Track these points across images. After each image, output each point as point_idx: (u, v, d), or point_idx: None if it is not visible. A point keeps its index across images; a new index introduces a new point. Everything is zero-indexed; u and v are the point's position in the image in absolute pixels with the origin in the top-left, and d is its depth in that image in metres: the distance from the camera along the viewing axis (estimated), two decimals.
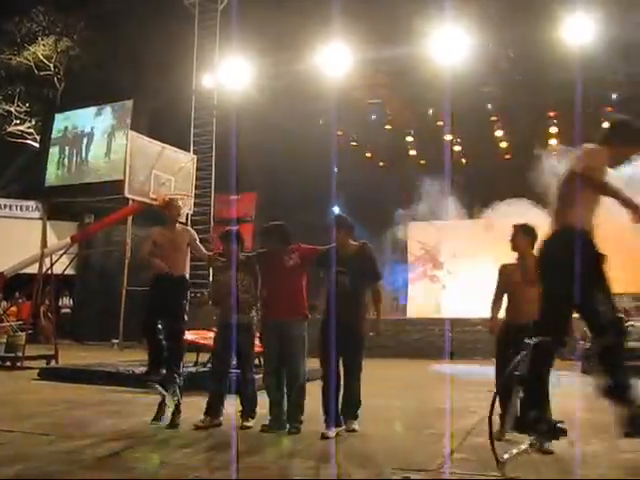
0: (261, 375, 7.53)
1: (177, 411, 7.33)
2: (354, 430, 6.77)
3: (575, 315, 5.36)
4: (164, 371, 7.64)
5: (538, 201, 20.55)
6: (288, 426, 6.97)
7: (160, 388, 7.53)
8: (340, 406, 6.90)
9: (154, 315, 7.71)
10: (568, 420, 7.73)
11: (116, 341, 20.26)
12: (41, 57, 26.50)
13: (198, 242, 8.12)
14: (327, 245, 7.22)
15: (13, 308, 21.86)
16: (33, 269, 15.49)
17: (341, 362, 6.92)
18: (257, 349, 7.76)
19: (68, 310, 24.60)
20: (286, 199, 21.55)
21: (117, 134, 21.73)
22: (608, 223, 17.93)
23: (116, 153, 21.13)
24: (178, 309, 7.80)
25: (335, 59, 18.85)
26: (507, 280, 7.01)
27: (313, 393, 7.04)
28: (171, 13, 23.00)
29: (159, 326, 7.71)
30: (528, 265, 6.62)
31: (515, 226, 7.02)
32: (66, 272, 17.76)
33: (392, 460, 5.80)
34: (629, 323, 12.93)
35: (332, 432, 6.66)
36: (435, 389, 6.84)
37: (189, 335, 10.61)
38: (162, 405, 7.49)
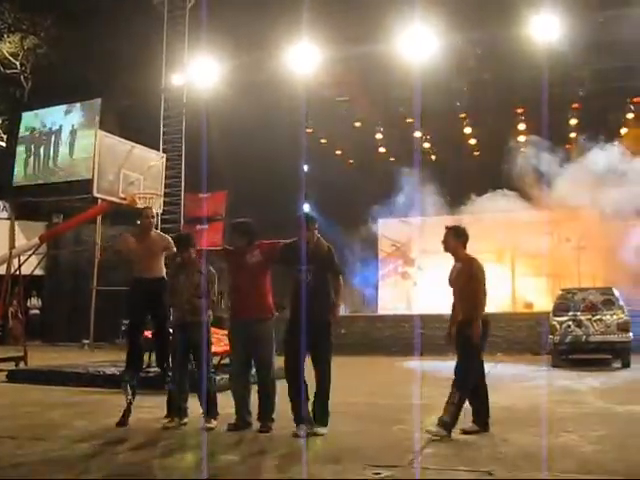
0: (222, 375, 7.58)
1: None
2: (321, 434, 6.67)
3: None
4: (148, 372, 7.70)
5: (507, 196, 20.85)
6: (259, 425, 6.97)
7: (131, 391, 7.52)
8: (311, 409, 6.87)
9: (139, 318, 7.76)
10: (538, 413, 7.86)
11: (86, 342, 20.10)
12: (7, 55, 26.19)
13: (173, 248, 8.09)
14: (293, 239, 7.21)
15: None
16: (1, 270, 15.32)
17: (310, 360, 6.91)
18: (223, 349, 7.76)
19: (37, 311, 24.33)
20: (256, 197, 21.49)
21: (85, 133, 21.51)
22: (580, 223, 18.07)
23: (84, 152, 20.88)
24: (163, 309, 7.93)
25: (304, 57, 18.85)
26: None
27: (282, 391, 7.05)
28: (140, 12, 22.83)
29: (142, 328, 7.82)
30: (457, 266, 7.05)
31: (447, 227, 7.27)
32: (35, 272, 17.59)
33: (363, 457, 5.82)
34: (597, 317, 13.18)
35: (303, 432, 6.66)
36: (406, 385, 6.89)
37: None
38: (129, 408, 7.45)
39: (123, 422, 7.31)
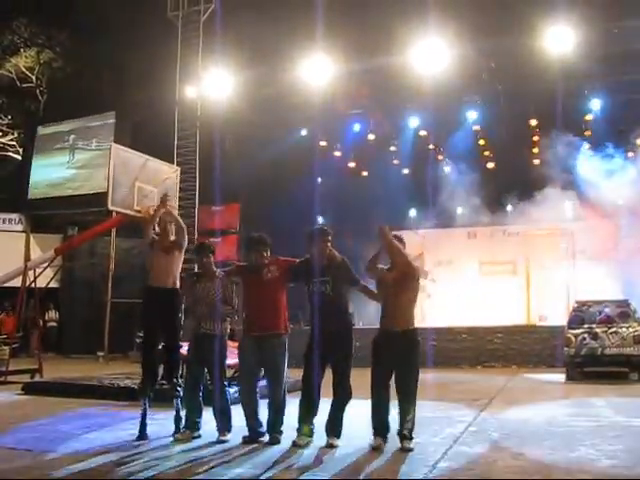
0: (235, 388, 7.59)
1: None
2: (334, 446, 6.71)
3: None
4: (162, 385, 7.70)
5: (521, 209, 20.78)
6: (268, 436, 7.01)
7: (147, 404, 7.52)
8: (326, 420, 6.91)
9: (153, 331, 7.74)
10: (554, 426, 7.80)
11: (101, 354, 20.12)
12: (23, 69, 26.41)
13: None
14: (304, 256, 7.29)
15: None
16: (17, 282, 15.40)
17: (331, 371, 6.95)
18: (234, 362, 7.75)
19: (54, 323, 24.39)
20: (270, 210, 21.53)
21: (100, 146, 21.69)
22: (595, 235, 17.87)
23: (99, 165, 21.09)
24: (175, 324, 7.93)
25: (317, 70, 18.87)
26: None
27: (295, 404, 7.06)
28: (154, 25, 22.96)
29: (157, 340, 7.80)
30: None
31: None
32: (50, 285, 17.66)
33: (378, 469, 5.81)
34: (612, 329, 13.08)
35: (305, 439, 6.82)
36: (420, 398, 6.84)
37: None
38: (144, 421, 7.45)
39: (142, 436, 7.31)
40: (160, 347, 8.00)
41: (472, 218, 21.77)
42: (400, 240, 7.03)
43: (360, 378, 6.80)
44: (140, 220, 8.55)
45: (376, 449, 6.50)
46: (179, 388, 7.59)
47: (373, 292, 7.30)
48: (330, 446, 6.69)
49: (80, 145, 22.94)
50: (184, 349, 7.84)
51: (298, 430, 6.90)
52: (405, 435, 6.57)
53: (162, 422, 7.84)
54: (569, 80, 17.90)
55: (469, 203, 21.78)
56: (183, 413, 7.39)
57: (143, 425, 7.40)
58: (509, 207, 22.62)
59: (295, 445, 6.75)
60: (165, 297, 7.79)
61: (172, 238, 8.03)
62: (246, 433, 7.10)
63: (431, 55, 17.52)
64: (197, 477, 5.73)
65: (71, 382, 11.94)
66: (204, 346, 7.26)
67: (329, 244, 7.14)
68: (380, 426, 6.70)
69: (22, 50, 26.50)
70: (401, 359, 6.74)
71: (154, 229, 8.08)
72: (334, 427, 6.86)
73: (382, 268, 7.06)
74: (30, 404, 10.55)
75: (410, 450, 6.43)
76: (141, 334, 8.06)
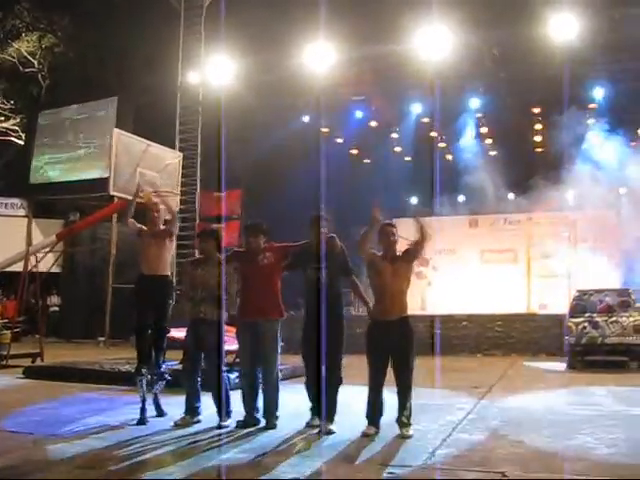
0: (235, 374, 7.63)
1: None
2: (331, 432, 6.76)
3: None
4: (150, 369, 7.75)
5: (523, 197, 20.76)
6: (265, 422, 7.06)
7: (145, 387, 7.58)
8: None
9: (146, 315, 7.83)
10: (553, 414, 7.82)
11: (102, 339, 20.17)
12: (25, 54, 26.33)
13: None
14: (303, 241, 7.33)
15: None
16: (18, 267, 15.42)
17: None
18: (232, 347, 7.79)
19: (56, 308, 24.47)
20: (272, 196, 21.52)
21: (102, 131, 21.64)
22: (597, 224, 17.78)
23: (101, 150, 21.06)
24: (166, 309, 8.02)
25: (320, 56, 18.80)
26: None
27: (291, 390, 7.10)
28: (156, 9, 22.88)
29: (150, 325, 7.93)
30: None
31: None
32: (52, 270, 17.68)
33: (376, 456, 5.83)
34: (613, 318, 13.09)
35: (316, 422, 6.94)
36: (420, 385, 6.86)
37: (175, 333, 10.57)
38: (144, 406, 7.51)
39: (142, 420, 7.37)
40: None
41: (474, 206, 21.74)
42: (392, 227, 6.99)
43: (361, 364, 6.82)
44: (142, 206, 8.58)
45: (368, 436, 6.53)
46: (165, 371, 7.70)
47: (360, 290, 7.40)
48: (328, 432, 6.73)
49: (82, 130, 22.87)
50: (182, 334, 7.88)
51: (311, 410, 7.07)
52: (404, 422, 6.60)
53: (163, 407, 7.85)
54: (572, 68, 17.80)
55: (470, 191, 21.75)
56: (185, 398, 7.43)
57: (143, 410, 7.45)
58: (511, 195, 22.58)
59: (308, 426, 6.93)
60: (157, 284, 7.94)
61: (162, 226, 8.10)
62: (241, 418, 7.15)
63: (434, 42, 17.46)
64: (194, 460, 5.76)
65: (72, 366, 11.97)
66: (202, 331, 7.28)
67: (326, 230, 7.14)
68: (374, 414, 6.73)
69: (24, 35, 26.42)
70: (398, 348, 6.75)
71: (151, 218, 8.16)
72: (328, 413, 6.90)
73: (374, 252, 6.97)
74: (31, 388, 10.58)
75: (409, 437, 6.46)
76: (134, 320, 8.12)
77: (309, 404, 7.15)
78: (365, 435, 6.54)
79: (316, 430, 6.84)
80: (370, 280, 7.00)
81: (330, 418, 6.90)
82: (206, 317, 7.32)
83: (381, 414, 6.75)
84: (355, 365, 7.06)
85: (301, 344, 7.12)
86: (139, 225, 8.18)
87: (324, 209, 7.44)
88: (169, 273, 8.12)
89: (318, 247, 7.07)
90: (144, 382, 7.62)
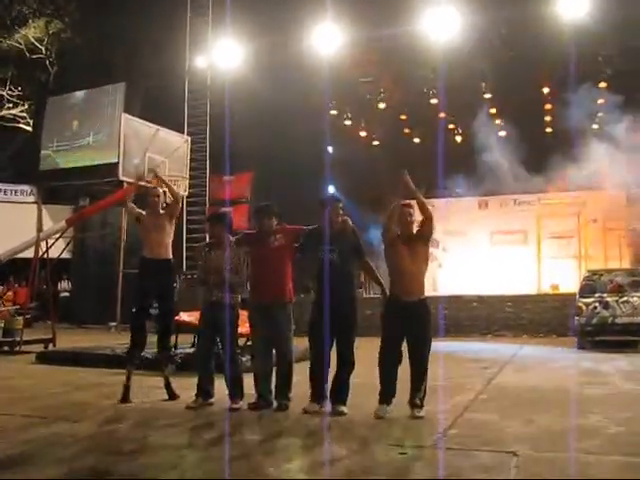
0: (247, 357, 7.66)
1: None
2: (342, 413, 6.77)
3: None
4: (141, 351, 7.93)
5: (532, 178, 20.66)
6: (276, 403, 7.10)
7: (133, 370, 7.82)
8: (329, 389, 6.98)
9: (145, 299, 7.90)
10: (564, 394, 7.83)
11: (113, 324, 20.25)
12: (32, 40, 26.33)
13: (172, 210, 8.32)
14: (314, 224, 7.30)
15: (9, 293, 21.91)
16: (29, 253, 15.48)
17: (335, 342, 6.97)
18: (245, 330, 7.83)
19: (67, 294, 24.59)
20: (281, 179, 21.51)
21: (110, 117, 21.66)
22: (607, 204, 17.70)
23: (110, 136, 21.08)
24: (170, 291, 8.21)
25: (327, 38, 18.75)
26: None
27: (303, 373, 7.12)
28: None
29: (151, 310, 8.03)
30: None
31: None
32: (62, 256, 17.74)
33: (388, 437, 5.86)
34: (624, 298, 13.06)
35: (316, 406, 6.89)
36: (431, 366, 6.87)
37: (186, 317, 10.65)
38: (128, 384, 7.68)
39: (126, 398, 7.58)
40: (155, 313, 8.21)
41: (484, 187, 21.67)
42: (410, 207, 6.96)
43: (371, 346, 6.84)
44: (143, 190, 8.70)
45: (380, 417, 6.53)
46: (173, 353, 7.81)
47: (374, 272, 7.36)
48: (339, 413, 6.75)
49: (90, 116, 22.89)
50: (192, 318, 7.93)
51: (310, 396, 6.98)
52: (416, 403, 6.61)
53: (177, 390, 7.89)
54: (582, 46, 17.66)
55: (481, 172, 21.67)
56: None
57: (127, 387, 7.65)
58: (521, 176, 22.48)
59: (306, 412, 6.85)
60: (160, 267, 8.02)
61: (161, 211, 8.16)
62: (253, 400, 7.19)
63: (442, 22, 17.37)
64: (206, 443, 5.80)
65: (84, 351, 12.04)
66: (215, 315, 7.30)
67: (340, 212, 7.13)
68: (388, 394, 6.69)
69: (31, 21, 26.40)
70: (416, 329, 6.72)
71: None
72: (340, 395, 6.92)
73: (395, 231, 6.94)
74: (44, 373, 10.65)
75: (421, 418, 6.48)
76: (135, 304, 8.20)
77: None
78: (378, 417, 6.53)
79: (315, 409, 6.88)
80: (388, 260, 6.95)
81: (343, 400, 6.90)
82: (220, 300, 7.34)
83: (394, 394, 6.71)
84: (365, 347, 7.07)
85: (310, 327, 7.05)
86: (138, 210, 8.28)
87: (334, 191, 7.43)
88: (171, 257, 8.17)
89: (330, 228, 7.06)
90: (133, 367, 7.84)
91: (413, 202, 6.93)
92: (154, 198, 8.22)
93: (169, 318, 8.13)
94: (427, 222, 6.87)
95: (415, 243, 6.84)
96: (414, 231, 6.95)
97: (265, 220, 7.30)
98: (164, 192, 8.34)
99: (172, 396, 7.75)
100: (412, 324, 6.69)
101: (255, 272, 7.37)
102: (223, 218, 7.82)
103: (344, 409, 6.82)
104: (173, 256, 8.29)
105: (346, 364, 6.96)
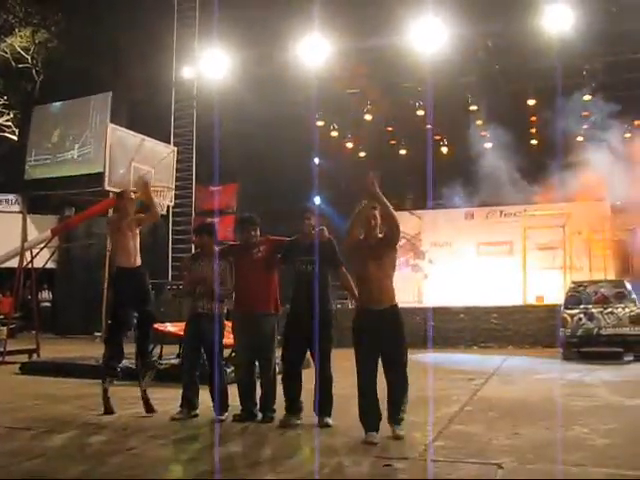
0: (232, 368, 7.63)
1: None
2: (328, 425, 6.74)
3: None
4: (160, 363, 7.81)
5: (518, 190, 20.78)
6: (261, 415, 7.08)
7: (111, 382, 7.70)
8: (314, 400, 6.92)
9: (126, 308, 7.79)
10: (549, 405, 7.85)
11: (98, 334, 20.14)
12: (18, 49, 26.23)
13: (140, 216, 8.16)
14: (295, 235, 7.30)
15: None
16: (14, 263, 15.38)
17: (310, 351, 6.96)
18: (230, 342, 7.79)
19: (47, 304, 24.46)
20: (268, 190, 21.53)
21: (96, 126, 21.62)
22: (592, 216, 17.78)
23: (95, 145, 21.02)
24: (149, 297, 7.99)
25: (314, 49, 18.79)
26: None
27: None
28: (150, 3, 22.82)
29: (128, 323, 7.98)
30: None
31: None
32: (47, 265, 17.64)
33: (374, 449, 5.84)
34: (608, 310, 13.11)
35: (292, 419, 6.84)
36: (417, 378, 6.86)
37: (171, 327, 10.62)
38: (107, 395, 7.58)
39: (108, 410, 7.50)
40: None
41: (469, 199, 21.78)
42: (374, 210, 6.55)
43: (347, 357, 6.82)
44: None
45: (371, 444, 6.00)
46: (154, 361, 7.72)
47: (349, 282, 7.14)
48: (325, 425, 6.72)
49: (76, 125, 22.84)
50: (177, 329, 7.88)
51: (286, 409, 6.94)
52: (397, 419, 6.25)
53: (160, 401, 7.86)
54: (567, 60, 17.82)
55: (466, 183, 21.78)
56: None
57: (107, 399, 7.56)
58: (506, 187, 22.58)
59: (283, 425, 6.79)
60: (138, 276, 7.85)
61: (132, 216, 7.97)
62: (238, 412, 7.18)
63: (429, 34, 17.46)
64: (191, 455, 5.77)
65: (68, 362, 11.97)
66: (201, 326, 7.29)
67: (313, 222, 7.13)
68: (373, 420, 6.26)
69: (17, 30, 26.28)
70: (388, 340, 6.31)
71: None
72: (325, 406, 6.87)
73: (359, 233, 6.59)
74: (28, 384, 10.57)
75: (401, 438, 6.14)
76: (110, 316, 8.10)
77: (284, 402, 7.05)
78: (369, 443, 6.02)
79: (293, 422, 6.85)
80: (353, 266, 6.62)
81: (328, 412, 6.88)
82: (205, 312, 7.33)
83: (380, 418, 6.30)
84: (351, 358, 7.04)
85: (283, 338, 7.02)
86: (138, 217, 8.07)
87: (321, 202, 7.44)
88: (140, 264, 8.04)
89: (306, 239, 7.07)
90: (111, 380, 7.73)
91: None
92: (128, 201, 8.05)
93: (148, 324, 7.96)
94: (393, 228, 6.44)
95: (381, 248, 6.41)
96: (379, 236, 6.52)
97: (248, 231, 7.30)
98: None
99: (149, 409, 7.59)
100: (385, 333, 6.28)
101: (239, 283, 7.36)
102: (210, 229, 7.80)
103: (329, 421, 6.80)
104: (159, 267, 8.24)
105: (323, 376, 6.90)
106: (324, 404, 6.89)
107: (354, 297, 6.91)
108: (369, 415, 6.27)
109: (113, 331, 8.00)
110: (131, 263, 7.82)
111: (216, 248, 7.54)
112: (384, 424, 6.28)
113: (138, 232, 7.97)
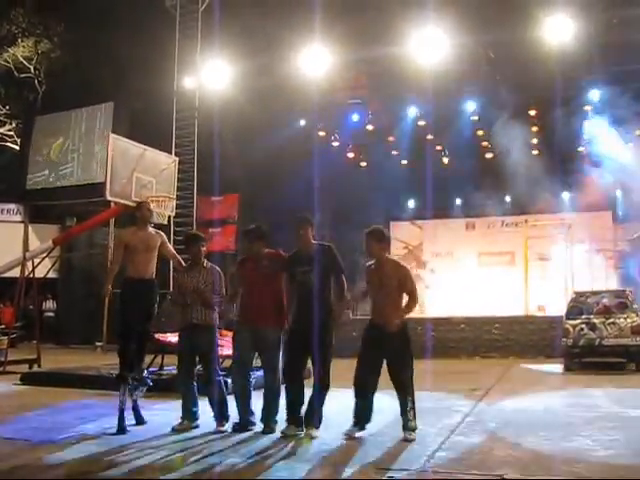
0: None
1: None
2: (313, 437, 6.70)
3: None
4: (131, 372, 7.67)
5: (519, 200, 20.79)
6: (263, 426, 7.04)
7: (127, 392, 7.50)
8: (306, 410, 6.93)
9: (131, 319, 7.72)
10: (551, 416, 7.82)
11: (99, 344, 20.14)
12: (21, 59, 26.30)
13: (168, 244, 8.19)
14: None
15: None
16: (15, 273, 15.38)
17: (311, 360, 6.96)
18: (228, 352, 7.76)
19: (51, 314, 24.44)
20: (269, 200, 21.52)
21: (98, 136, 21.63)
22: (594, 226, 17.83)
23: (97, 155, 21.04)
24: (152, 312, 7.93)
25: (316, 60, 18.79)
26: (368, 281, 7.08)
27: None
28: (152, 14, 22.87)
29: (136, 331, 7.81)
30: (382, 269, 6.90)
31: (366, 234, 7.04)
32: (48, 275, 17.64)
33: (375, 459, 5.82)
34: (610, 320, 13.09)
35: (294, 429, 6.83)
36: (418, 388, 6.85)
37: (172, 337, 10.59)
38: (123, 411, 7.32)
39: (122, 429, 7.16)
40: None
41: (470, 209, 21.78)
42: (383, 235, 7.01)
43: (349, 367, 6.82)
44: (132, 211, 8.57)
45: (349, 438, 6.57)
46: (146, 375, 7.74)
47: (342, 288, 7.14)
48: (309, 437, 6.70)
49: (78, 135, 22.85)
50: (174, 339, 7.84)
51: (287, 421, 6.92)
52: (407, 426, 6.60)
53: (161, 412, 7.85)
54: (568, 70, 17.84)
55: (468, 194, 21.79)
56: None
57: (122, 418, 7.24)
58: (507, 198, 22.62)
59: (284, 436, 6.77)
60: (147, 288, 7.81)
61: (151, 230, 8.03)
62: (237, 421, 7.17)
63: (430, 45, 17.46)
64: (192, 466, 5.75)
65: (69, 372, 11.95)
66: (195, 336, 7.29)
67: (309, 232, 7.12)
68: (361, 417, 6.75)
69: (20, 40, 26.35)
70: (393, 355, 6.73)
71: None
72: (312, 418, 6.86)
73: (369, 265, 7.04)
74: (28, 394, 10.56)
75: (411, 441, 6.43)
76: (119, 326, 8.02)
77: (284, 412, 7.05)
78: (349, 437, 6.60)
79: (294, 432, 6.83)
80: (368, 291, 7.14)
81: (316, 424, 6.84)
82: (197, 322, 7.31)
83: (368, 421, 6.76)
84: (352, 367, 7.03)
85: (284, 348, 7.04)
86: (122, 249, 7.97)
87: (320, 212, 7.44)
88: (154, 278, 7.99)
89: (305, 250, 7.08)
90: (127, 389, 7.49)
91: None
92: (146, 214, 8.07)
93: (148, 338, 7.96)
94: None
95: (385, 273, 6.89)
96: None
97: (254, 243, 7.26)
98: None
99: (139, 421, 7.51)
100: (390, 351, 6.72)
101: (245, 295, 7.31)
102: (198, 238, 7.76)
103: (316, 433, 6.76)
104: (159, 276, 8.19)
105: (320, 385, 6.88)
106: (312, 416, 6.87)
107: (341, 301, 7.10)
108: (357, 413, 6.77)
109: (122, 342, 7.87)
110: (140, 274, 7.77)
111: (205, 260, 7.54)
112: (385, 427, 6.53)
113: (156, 249, 7.96)
